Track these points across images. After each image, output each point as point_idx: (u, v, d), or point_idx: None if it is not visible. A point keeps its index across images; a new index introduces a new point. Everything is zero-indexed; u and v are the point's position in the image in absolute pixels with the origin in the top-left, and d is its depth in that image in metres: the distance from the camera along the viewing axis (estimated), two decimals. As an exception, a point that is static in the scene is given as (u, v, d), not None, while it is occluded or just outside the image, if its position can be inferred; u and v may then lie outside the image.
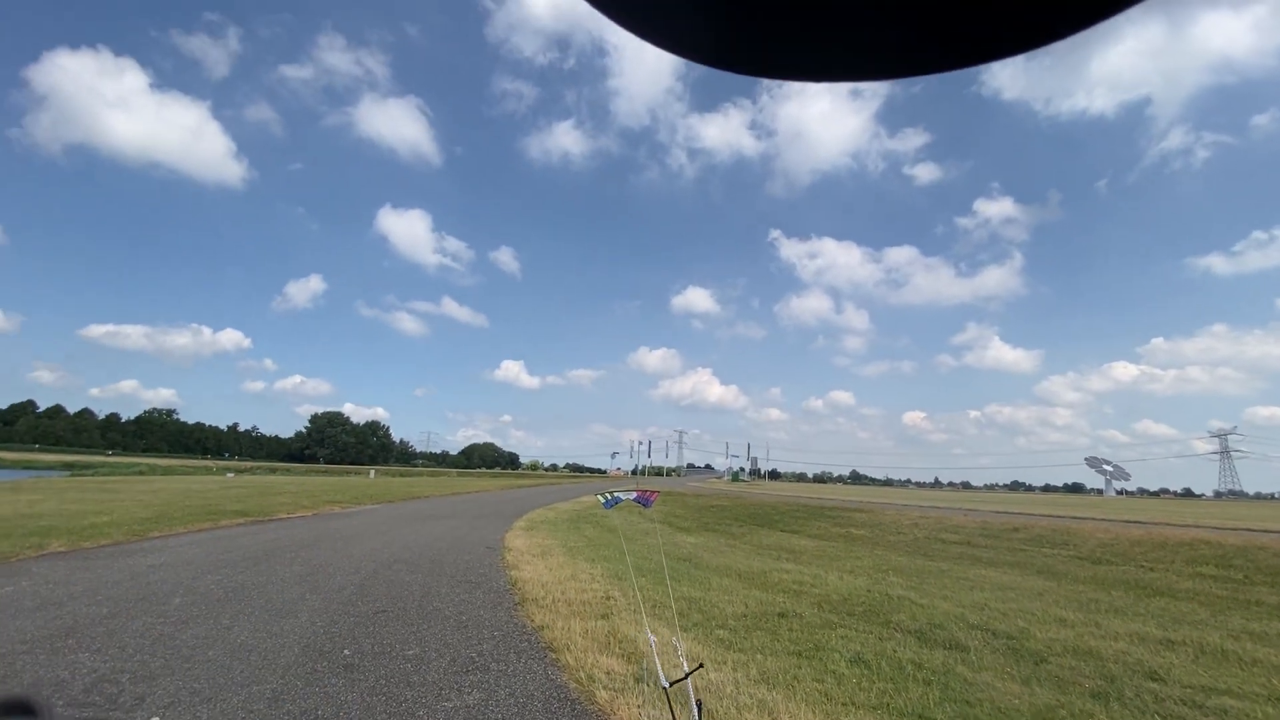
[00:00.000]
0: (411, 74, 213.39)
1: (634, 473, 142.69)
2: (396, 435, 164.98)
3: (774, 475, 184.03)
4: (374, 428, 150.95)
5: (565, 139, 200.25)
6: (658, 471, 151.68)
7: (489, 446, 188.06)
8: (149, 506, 16.51)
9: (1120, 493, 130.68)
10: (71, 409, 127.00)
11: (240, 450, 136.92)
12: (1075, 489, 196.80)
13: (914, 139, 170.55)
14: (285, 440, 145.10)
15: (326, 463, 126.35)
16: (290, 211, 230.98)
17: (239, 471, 63.12)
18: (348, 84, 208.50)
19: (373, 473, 72.87)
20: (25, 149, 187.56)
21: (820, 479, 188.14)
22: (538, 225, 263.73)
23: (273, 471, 75.90)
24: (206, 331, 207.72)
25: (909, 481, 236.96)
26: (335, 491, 26.91)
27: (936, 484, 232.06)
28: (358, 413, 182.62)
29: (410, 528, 15.06)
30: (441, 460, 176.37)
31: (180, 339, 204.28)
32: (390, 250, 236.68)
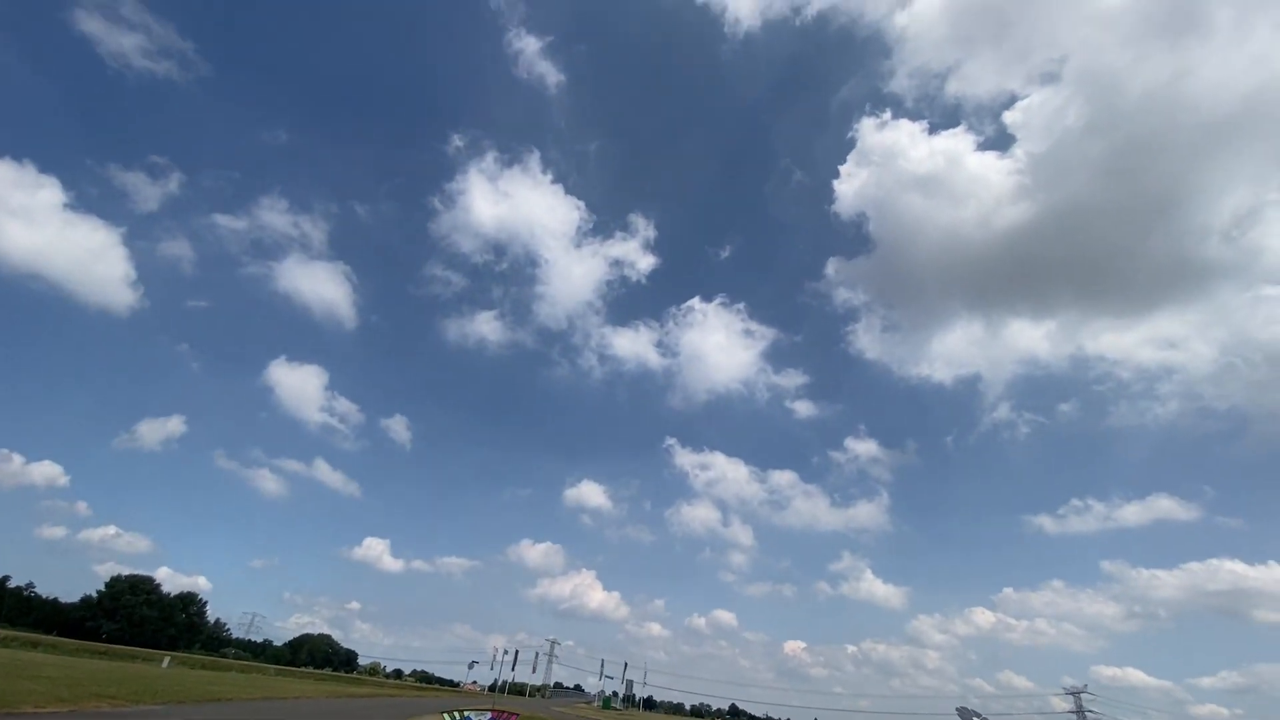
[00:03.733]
0: (347, 244, 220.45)
1: (493, 689, 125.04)
2: (214, 614, 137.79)
3: (649, 704, 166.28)
4: (187, 602, 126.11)
5: (485, 327, 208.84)
6: (519, 690, 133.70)
7: (323, 639, 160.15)
8: None
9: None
10: None
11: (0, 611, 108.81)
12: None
13: (796, 378, 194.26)
14: (66, 606, 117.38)
15: (112, 640, 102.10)
16: (172, 347, 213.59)
17: (-16, 642, 49.37)
18: (278, 240, 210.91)
19: (167, 660, 59.40)
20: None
21: (698, 712, 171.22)
22: (440, 401, 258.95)
23: (35, 646, 60.39)
24: (18, 460, 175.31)
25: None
26: (111, 682, 21.57)
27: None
28: (173, 580, 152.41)
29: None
30: (261, 652, 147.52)
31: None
32: (273, 401, 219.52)
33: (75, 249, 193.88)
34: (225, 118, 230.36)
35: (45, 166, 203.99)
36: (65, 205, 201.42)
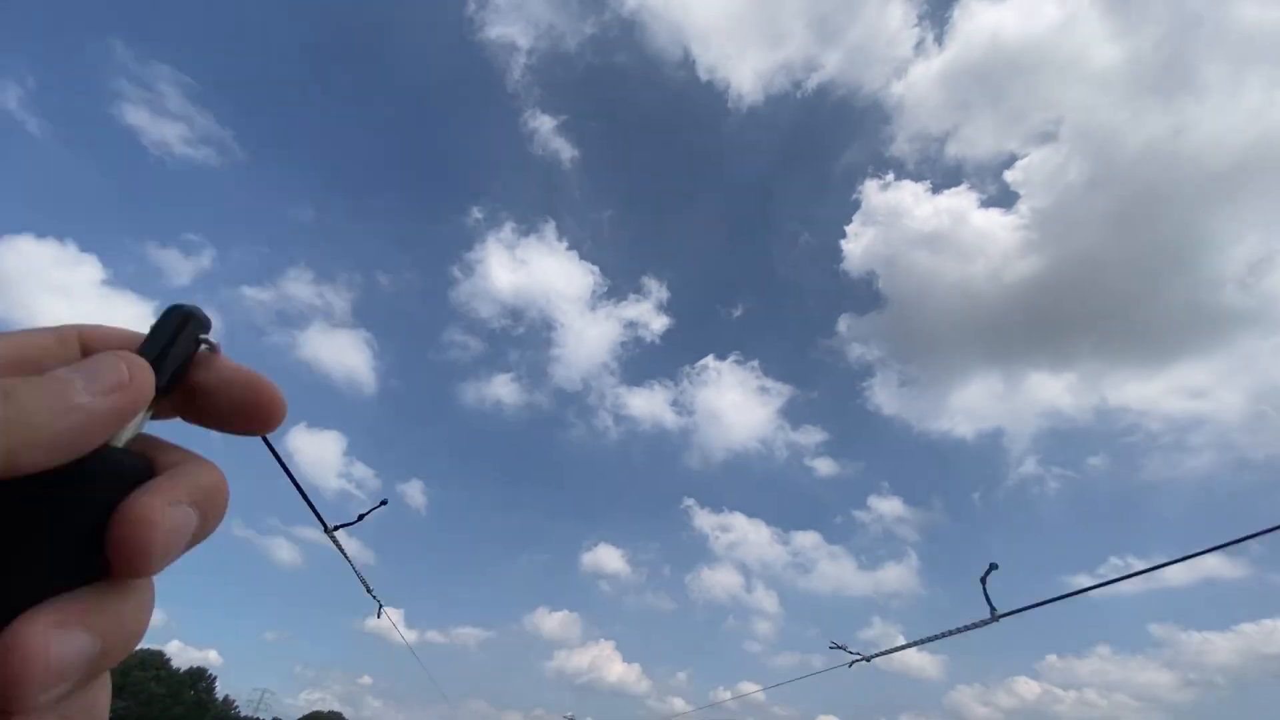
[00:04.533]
0: (369, 312, 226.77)
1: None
2: (223, 689, 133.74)
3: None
4: (196, 678, 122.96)
5: (501, 389, 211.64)
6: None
7: (333, 718, 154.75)
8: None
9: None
10: None
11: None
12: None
13: (814, 435, 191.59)
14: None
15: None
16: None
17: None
18: (302, 310, 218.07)
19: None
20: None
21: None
22: (456, 464, 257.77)
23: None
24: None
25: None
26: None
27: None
28: (184, 654, 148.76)
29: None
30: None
31: None
32: (291, 468, 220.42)
33: (107, 323, 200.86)
34: (257, 197, 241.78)
35: (86, 246, 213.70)
36: (103, 281, 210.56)
